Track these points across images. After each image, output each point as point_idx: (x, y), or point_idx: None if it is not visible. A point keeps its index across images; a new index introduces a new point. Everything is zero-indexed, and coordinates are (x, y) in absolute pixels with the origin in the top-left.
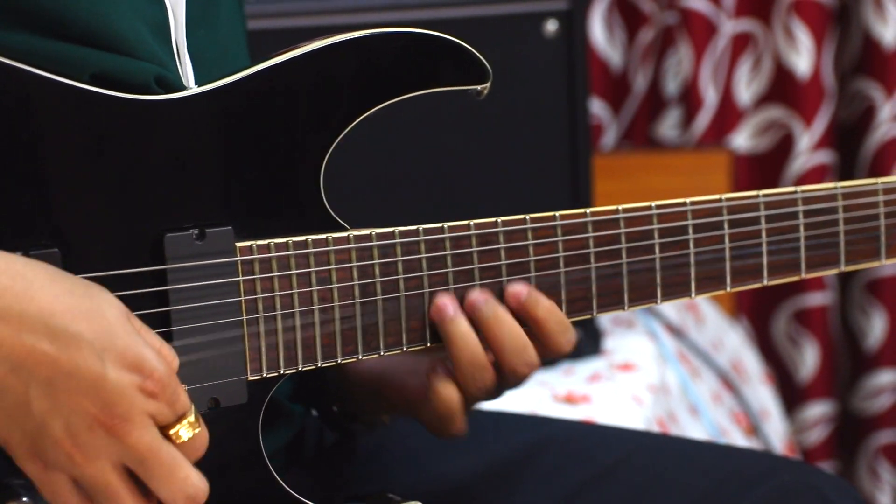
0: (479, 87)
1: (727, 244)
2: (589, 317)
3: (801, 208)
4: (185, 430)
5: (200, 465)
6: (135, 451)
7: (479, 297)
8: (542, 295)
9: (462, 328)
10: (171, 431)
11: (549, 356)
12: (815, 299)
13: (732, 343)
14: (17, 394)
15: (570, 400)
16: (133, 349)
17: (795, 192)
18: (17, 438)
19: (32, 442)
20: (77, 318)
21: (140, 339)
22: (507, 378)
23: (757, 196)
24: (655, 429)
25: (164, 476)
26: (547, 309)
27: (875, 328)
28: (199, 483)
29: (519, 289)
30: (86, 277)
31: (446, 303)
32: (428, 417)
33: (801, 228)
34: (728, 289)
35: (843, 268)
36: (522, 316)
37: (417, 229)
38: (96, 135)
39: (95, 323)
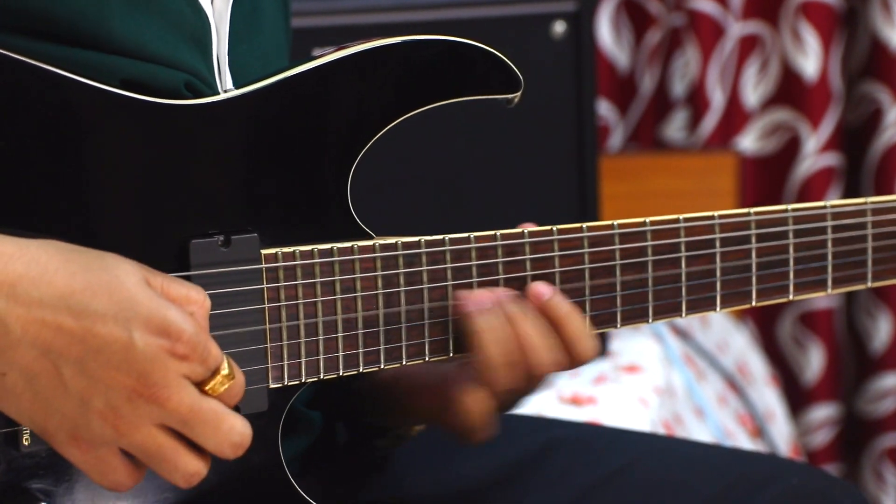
0: (510, 96)
1: (754, 259)
2: (613, 329)
3: (829, 223)
4: (221, 383)
5: (219, 472)
6: (176, 413)
7: (504, 293)
8: (563, 297)
9: (499, 319)
10: (208, 387)
11: (573, 363)
12: (821, 302)
13: (738, 345)
14: (51, 377)
15: (575, 401)
16: (158, 314)
17: (825, 207)
18: (57, 423)
19: (73, 424)
20: (97, 294)
21: (163, 301)
22: (532, 378)
23: (786, 210)
24: (661, 431)
25: (209, 432)
26: (569, 313)
27: (881, 331)
28: (243, 430)
29: (542, 289)
30: None
31: (484, 294)
32: (455, 425)
33: (829, 244)
34: (753, 303)
35: (870, 284)
36: (544, 316)
37: (443, 239)
38: (124, 138)
39: (116, 295)
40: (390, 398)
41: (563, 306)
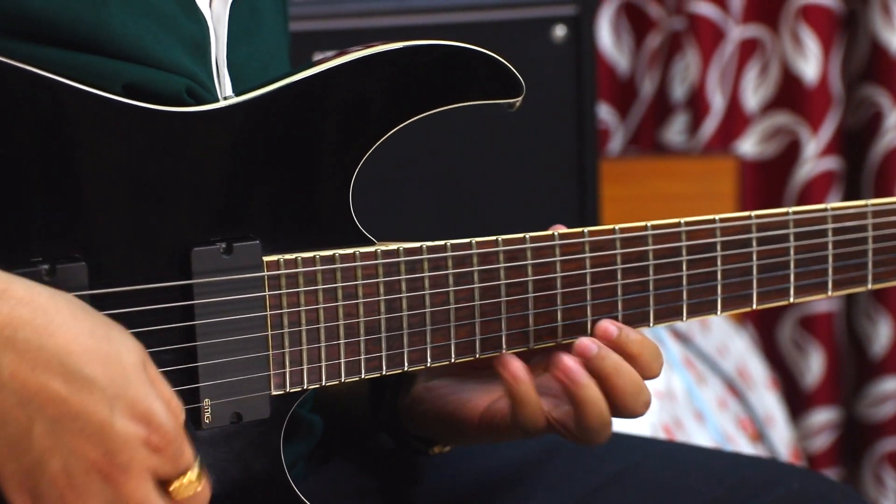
0: (512, 101)
1: (755, 262)
2: None
3: (830, 226)
4: (186, 488)
5: (220, 479)
6: (126, 502)
7: (592, 346)
8: (630, 329)
9: (594, 393)
10: (172, 487)
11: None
12: (821, 306)
13: (738, 349)
14: (21, 427)
15: None
16: (144, 401)
17: (826, 210)
18: (11, 469)
19: (26, 475)
20: (93, 361)
21: (152, 390)
22: (623, 417)
23: (787, 213)
24: (661, 435)
25: None
26: (639, 342)
27: (881, 335)
28: None
29: (608, 326)
30: (113, 292)
31: (576, 367)
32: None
33: (830, 246)
34: (754, 307)
35: (870, 286)
36: (616, 352)
37: (445, 244)
38: (126, 146)
39: (111, 368)
40: (436, 422)
41: (633, 337)
